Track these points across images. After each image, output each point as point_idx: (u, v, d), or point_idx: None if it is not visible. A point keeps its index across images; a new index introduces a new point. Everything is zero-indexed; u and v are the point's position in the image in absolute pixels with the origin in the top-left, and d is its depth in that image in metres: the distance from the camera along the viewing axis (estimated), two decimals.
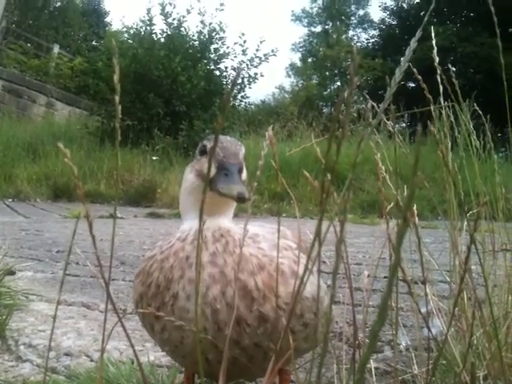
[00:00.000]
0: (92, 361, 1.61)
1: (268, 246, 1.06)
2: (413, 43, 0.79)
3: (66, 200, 9.08)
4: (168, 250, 1.04)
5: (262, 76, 12.77)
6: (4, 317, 1.96)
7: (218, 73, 12.86)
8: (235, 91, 12.48)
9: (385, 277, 2.60)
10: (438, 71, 1.39)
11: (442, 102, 1.48)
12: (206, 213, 1.00)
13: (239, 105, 13.53)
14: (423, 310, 1.36)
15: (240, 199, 0.92)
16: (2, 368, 1.57)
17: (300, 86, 25.30)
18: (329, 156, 0.70)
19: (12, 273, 2.80)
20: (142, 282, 1.06)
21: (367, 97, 1.32)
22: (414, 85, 17.12)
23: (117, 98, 0.80)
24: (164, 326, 1.02)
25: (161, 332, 1.03)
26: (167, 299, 1.00)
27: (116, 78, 0.77)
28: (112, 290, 2.50)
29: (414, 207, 1.37)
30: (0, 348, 1.76)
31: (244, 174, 1.06)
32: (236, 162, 1.01)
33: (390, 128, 1.42)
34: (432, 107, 1.40)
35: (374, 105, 1.25)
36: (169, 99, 11.68)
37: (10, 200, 8.79)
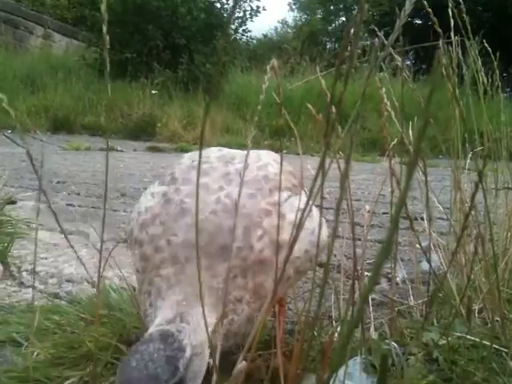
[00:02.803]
0: (94, 287, 1.64)
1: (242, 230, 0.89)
2: None
3: (65, 132, 9.01)
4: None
5: (264, 10, 12.38)
6: (6, 244, 1.99)
7: (219, 5, 12.45)
8: (236, 24, 12.13)
9: (384, 213, 2.62)
10: (450, 4, 1.34)
11: (453, 36, 1.44)
12: None
13: (240, 39, 13.19)
14: (423, 244, 1.37)
15: None
16: (5, 293, 1.60)
17: (303, 20, 24.56)
18: (335, 88, 0.67)
19: (13, 202, 2.82)
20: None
21: (375, 28, 1.27)
22: (420, 21, 16.62)
23: (104, 28, 0.76)
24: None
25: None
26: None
27: (103, 7, 0.74)
28: (113, 220, 2.52)
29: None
30: (3, 274, 1.79)
31: None
32: None
33: (398, 63, 1.39)
34: (441, 41, 1.35)
35: (382, 37, 1.20)
36: (168, 31, 11.36)
37: (9, 131, 8.73)
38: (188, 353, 0.73)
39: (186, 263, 0.86)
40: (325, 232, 1.07)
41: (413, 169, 0.47)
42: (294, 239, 0.77)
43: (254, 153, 1.05)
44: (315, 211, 1.00)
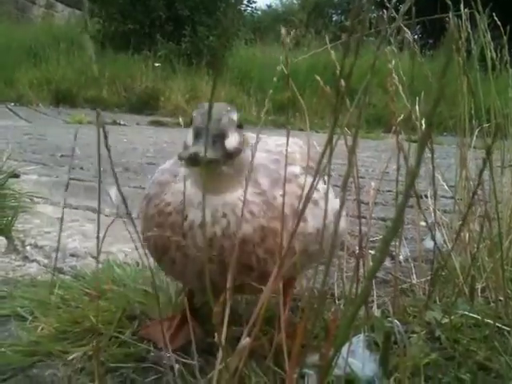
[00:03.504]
0: (98, 262, 1.64)
1: (269, 181, 0.98)
2: None
3: (68, 106, 8.96)
4: (165, 216, 0.98)
5: None
6: (10, 218, 1.99)
7: None
8: None
9: (388, 190, 2.61)
10: None
11: (462, 8, 1.41)
12: (210, 188, 0.92)
13: (245, 10, 12.99)
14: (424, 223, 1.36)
15: (189, 161, 0.81)
16: (9, 267, 1.61)
17: None
18: (345, 61, 0.66)
19: (16, 175, 2.81)
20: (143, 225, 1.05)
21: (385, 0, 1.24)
22: None
23: None
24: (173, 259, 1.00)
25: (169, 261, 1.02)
26: (165, 260, 0.99)
27: None
28: (116, 195, 2.51)
29: (423, 121, 1.34)
30: (7, 248, 1.79)
31: (231, 141, 0.92)
32: (214, 126, 0.88)
33: (406, 35, 1.36)
34: (451, 14, 1.32)
35: (392, 9, 1.17)
36: (171, 2, 11.18)
37: (12, 104, 8.68)
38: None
39: None
40: (343, 221, 1.07)
41: (424, 144, 0.46)
42: (302, 211, 0.77)
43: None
44: (332, 196, 1.01)
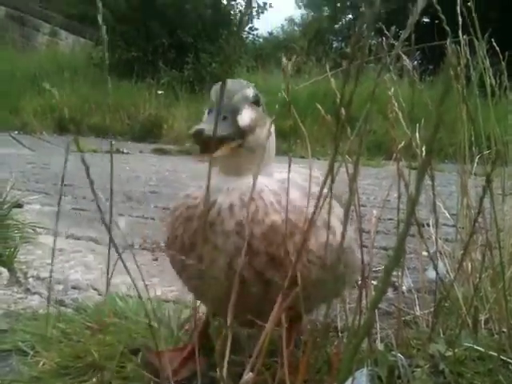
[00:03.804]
0: (100, 294, 1.64)
1: (300, 194, 0.96)
2: None
3: (71, 134, 9.01)
4: (193, 209, 0.96)
5: (271, 7, 12.35)
6: (12, 249, 1.99)
7: (225, 2, 12.38)
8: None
9: (389, 219, 2.61)
10: (459, 1, 1.33)
11: (460, 35, 1.42)
12: (232, 171, 0.93)
13: (247, 37, 13.16)
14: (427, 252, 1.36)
15: (194, 137, 0.80)
16: (11, 299, 1.61)
17: (311, 18, 24.55)
18: (344, 89, 0.67)
19: (19, 205, 2.82)
20: (170, 229, 1.02)
21: (383, 27, 1.26)
22: (428, 20, 16.52)
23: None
24: (189, 275, 1.01)
25: (186, 278, 1.03)
26: (192, 257, 0.95)
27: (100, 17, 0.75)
28: (125, 225, 2.51)
29: (423, 148, 1.35)
30: (9, 280, 1.79)
31: (244, 117, 0.90)
32: (226, 102, 0.86)
33: (405, 63, 1.37)
34: (449, 41, 1.34)
35: (391, 37, 1.19)
36: (174, 29, 11.33)
37: (16, 132, 8.74)
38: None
39: None
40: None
41: (424, 170, 0.47)
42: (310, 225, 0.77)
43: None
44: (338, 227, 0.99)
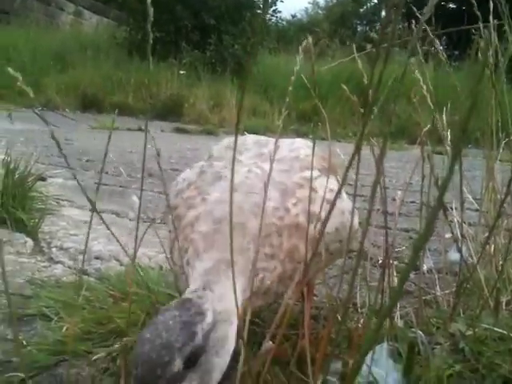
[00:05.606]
0: (122, 265, 1.66)
1: (278, 194, 0.92)
2: None
3: (94, 111, 9.08)
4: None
5: None
6: (36, 220, 2.03)
7: None
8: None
9: (411, 201, 2.59)
10: None
11: (491, 19, 1.40)
12: None
13: (270, 19, 13.06)
14: (450, 234, 1.36)
15: None
16: (35, 268, 1.64)
17: (335, 1, 24.21)
18: (374, 70, 0.66)
19: (43, 179, 2.86)
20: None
21: (414, 8, 1.24)
22: (454, 6, 16.19)
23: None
24: None
25: None
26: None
27: None
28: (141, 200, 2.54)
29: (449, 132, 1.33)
30: (33, 249, 1.83)
31: None
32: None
33: (434, 45, 1.35)
34: (481, 25, 1.32)
35: (420, 17, 1.17)
36: (197, 11, 11.30)
37: (40, 108, 8.83)
38: (209, 317, 0.68)
39: (222, 221, 0.85)
40: (356, 219, 1.07)
41: (457, 155, 0.47)
42: (329, 211, 0.77)
43: (288, 139, 1.10)
44: (345, 196, 1.03)
